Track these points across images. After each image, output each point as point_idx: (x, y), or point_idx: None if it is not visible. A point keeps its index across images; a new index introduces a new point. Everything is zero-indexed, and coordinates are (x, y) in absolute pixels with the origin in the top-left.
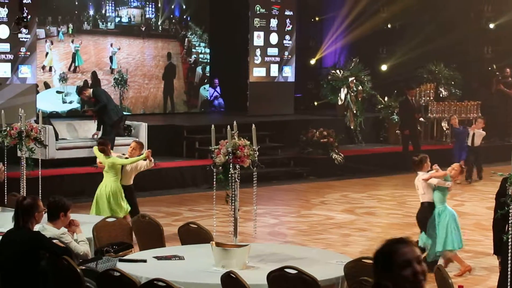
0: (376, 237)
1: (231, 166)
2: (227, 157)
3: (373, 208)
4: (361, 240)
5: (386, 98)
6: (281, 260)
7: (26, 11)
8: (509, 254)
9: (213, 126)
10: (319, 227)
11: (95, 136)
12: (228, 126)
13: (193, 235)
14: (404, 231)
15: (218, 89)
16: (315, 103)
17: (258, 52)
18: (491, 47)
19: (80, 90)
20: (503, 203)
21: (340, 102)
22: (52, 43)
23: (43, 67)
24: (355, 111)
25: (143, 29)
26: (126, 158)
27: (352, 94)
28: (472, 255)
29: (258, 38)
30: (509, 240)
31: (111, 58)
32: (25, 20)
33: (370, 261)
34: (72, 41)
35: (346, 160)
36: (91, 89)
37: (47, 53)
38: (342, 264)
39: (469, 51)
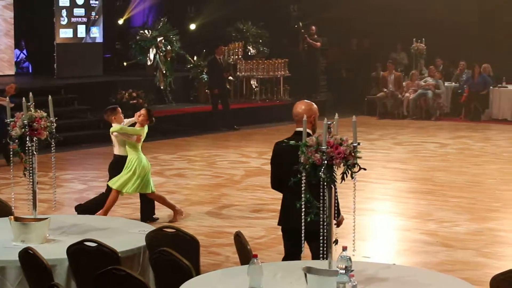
0: (183, 200)
1: (28, 139)
2: (23, 130)
3: (183, 169)
4: None
5: (195, 58)
6: (83, 232)
7: None
8: (302, 220)
9: (7, 98)
10: None
11: None
12: (24, 98)
13: None
14: (212, 192)
15: (25, 51)
16: (125, 64)
17: (64, 12)
18: (297, 4)
19: None
20: (296, 170)
21: (149, 63)
22: None
23: None
24: (164, 71)
25: None
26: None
27: (161, 54)
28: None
29: None
30: (303, 207)
31: None
32: None
33: (171, 230)
34: None
35: (156, 120)
36: None
37: None
38: (145, 233)
39: (276, 8)
